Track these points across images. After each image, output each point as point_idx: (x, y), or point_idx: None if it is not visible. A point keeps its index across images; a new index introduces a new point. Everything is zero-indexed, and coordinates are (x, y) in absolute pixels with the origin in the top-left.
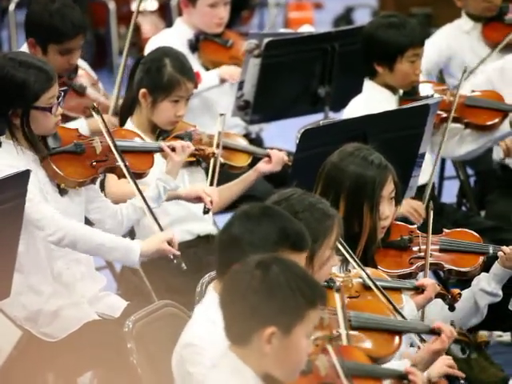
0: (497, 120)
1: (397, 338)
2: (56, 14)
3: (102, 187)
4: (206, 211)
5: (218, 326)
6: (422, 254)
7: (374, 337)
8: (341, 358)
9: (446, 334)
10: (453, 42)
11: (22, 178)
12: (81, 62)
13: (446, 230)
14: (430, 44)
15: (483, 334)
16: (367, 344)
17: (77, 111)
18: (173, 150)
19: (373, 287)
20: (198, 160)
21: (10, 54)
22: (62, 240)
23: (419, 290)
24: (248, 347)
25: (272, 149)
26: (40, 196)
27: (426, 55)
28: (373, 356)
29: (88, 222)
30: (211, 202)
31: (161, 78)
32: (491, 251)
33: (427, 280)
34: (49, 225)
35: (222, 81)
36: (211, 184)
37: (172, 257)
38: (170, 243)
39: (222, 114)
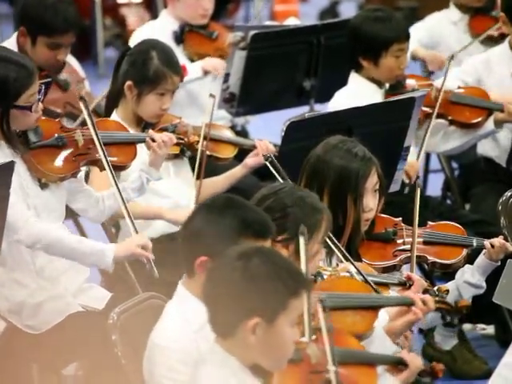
0: (481, 118)
1: (372, 313)
2: (50, 8)
3: (87, 179)
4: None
5: (190, 322)
6: (406, 246)
7: (350, 315)
8: (333, 346)
9: (418, 306)
10: (441, 30)
11: (7, 169)
12: (71, 59)
13: (430, 223)
14: (413, 30)
15: (464, 300)
16: (343, 322)
17: (57, 105)
18: (153, 140)
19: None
20: (182, 149)
21: None
22: (35, 244)
23: (406, 285)
24: (233, 339)
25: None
26: (19, 192)
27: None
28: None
29: (71, 211)
30: None
31: (147, 71)
32: (475, 244)
33: (414, 276)
34: (22, 228)
35: (206, 73)
36: (198, 177)
37: (145, 261)
38: (144, 248)
39: (212, 95)
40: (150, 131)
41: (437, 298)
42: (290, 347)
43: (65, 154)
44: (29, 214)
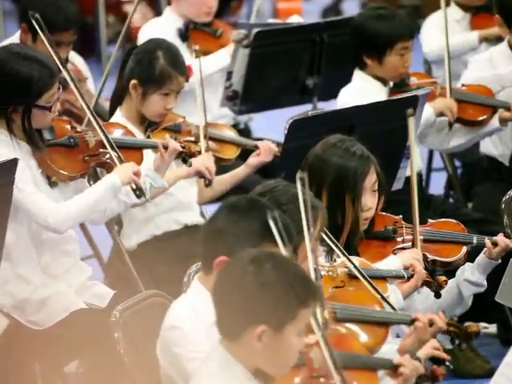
0: (486, 116)
1: (383, 330)
2: (52, 5)
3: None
4: (208, 184)
5: (199, 316)
6: (406, 244)
7: (361, 328)
8: (332, 349)
9: (423, 322)
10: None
11: (10, 166)
12: (76, 57)
13: (430, 221)
14: (429, 30)
15: (474, 325)
16: (353, 335)
17: None
18: (165, 147)
19: (359, 276)
20: (184, 158)
21: (13, 47)
22: (68, 229)
23: (404, 277)
24: (238, 342)
25: (262, 139)
26: (33, 186)
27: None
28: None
29: None
30: (210, 174)
31: (152, 70)
32: (475, 241)
33: (418, 266)
34: (48, 216)
35: None
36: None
37: (135, 187)
38: (136, 174)
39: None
40: (167, 137)
41: (447, 321)
42: (294, 355)
43: (76, 153)
44: (50, 202)
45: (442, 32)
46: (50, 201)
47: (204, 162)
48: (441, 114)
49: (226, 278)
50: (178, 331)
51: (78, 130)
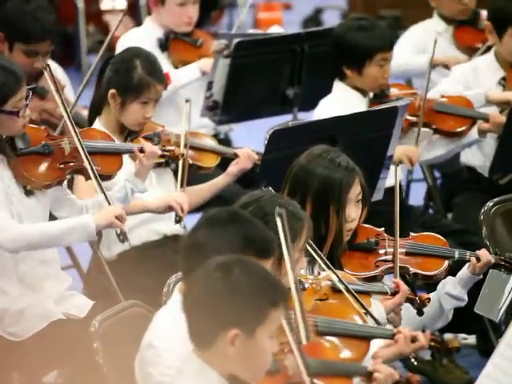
0: (465, 127)
1: (364, 344)
2: (28, 15)
3: (70, 186)
4: (178, 220)
5: (179, 326)
6: (388, 256)
7: (342, 342)
8: (304, 356)
9: (405, 335)
10: (426, 41)
11: None
12: (53, 66)
13: (412, 234)
14: (403, 42)
15: (455, 340)
16: (335, 349)
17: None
18: (141, 151)
19: (343, 289)
20: (166, 161)
21: None
22: (17, 248)
23: (388, 293)
24: (212, 350)
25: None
26: (3, 198)
27: (401, 53)
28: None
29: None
30: (182, 210)
31: (131, 79)
32: (457, 255)
33: (402, 284)
34: (0, 234)
35: (204, 73)
36: (181, 185)
37: (119, 232)
38: (119, 219)
39: (187, 100)
40: (142, 141)
41: (429, 336)
42: (268, 358)
43: (51, 161)
44: (8, 220)
45: (411, 48)
46: (7, 218)
47: (176, 197)
48: (399, 162)
49: (196, 287)
50: (154, 350)
51: (54, 137)
